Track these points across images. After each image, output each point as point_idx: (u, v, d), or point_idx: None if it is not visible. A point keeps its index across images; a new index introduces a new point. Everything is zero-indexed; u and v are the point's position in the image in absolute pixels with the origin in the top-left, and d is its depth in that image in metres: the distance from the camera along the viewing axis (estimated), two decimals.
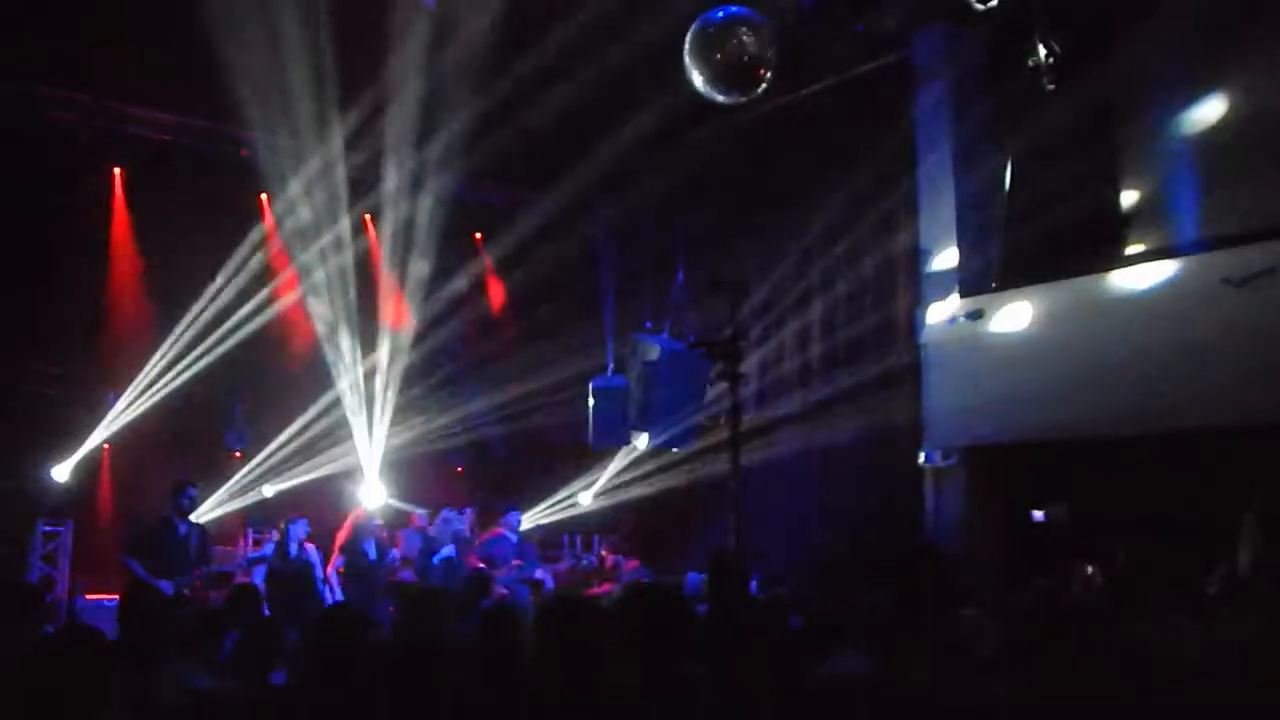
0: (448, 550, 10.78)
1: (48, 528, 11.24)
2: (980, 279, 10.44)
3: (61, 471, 11.57)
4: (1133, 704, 3.12)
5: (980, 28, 10.00)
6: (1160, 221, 9.27)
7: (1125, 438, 8.79)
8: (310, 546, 10.34)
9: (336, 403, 13.00)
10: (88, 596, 10.72)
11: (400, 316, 13.41)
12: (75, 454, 11.71)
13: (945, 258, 10.62)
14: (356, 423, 12.96)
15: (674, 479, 12.50)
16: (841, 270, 11.60)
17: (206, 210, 11.99)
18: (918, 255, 10.81)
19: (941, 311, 10.49)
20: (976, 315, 10.18)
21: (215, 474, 12.40)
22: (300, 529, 10.29)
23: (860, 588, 4.43)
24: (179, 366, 12.10)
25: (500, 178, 13.04)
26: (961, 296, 10.40)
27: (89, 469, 11.98)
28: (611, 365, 12.46)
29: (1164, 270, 8.92)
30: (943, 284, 10.61)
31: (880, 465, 10.89)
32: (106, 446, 12.13)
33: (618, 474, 13.27)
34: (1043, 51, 8.78)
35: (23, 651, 3.19)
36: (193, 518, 9.48)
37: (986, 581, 8.87)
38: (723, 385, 8.82)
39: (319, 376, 13.07)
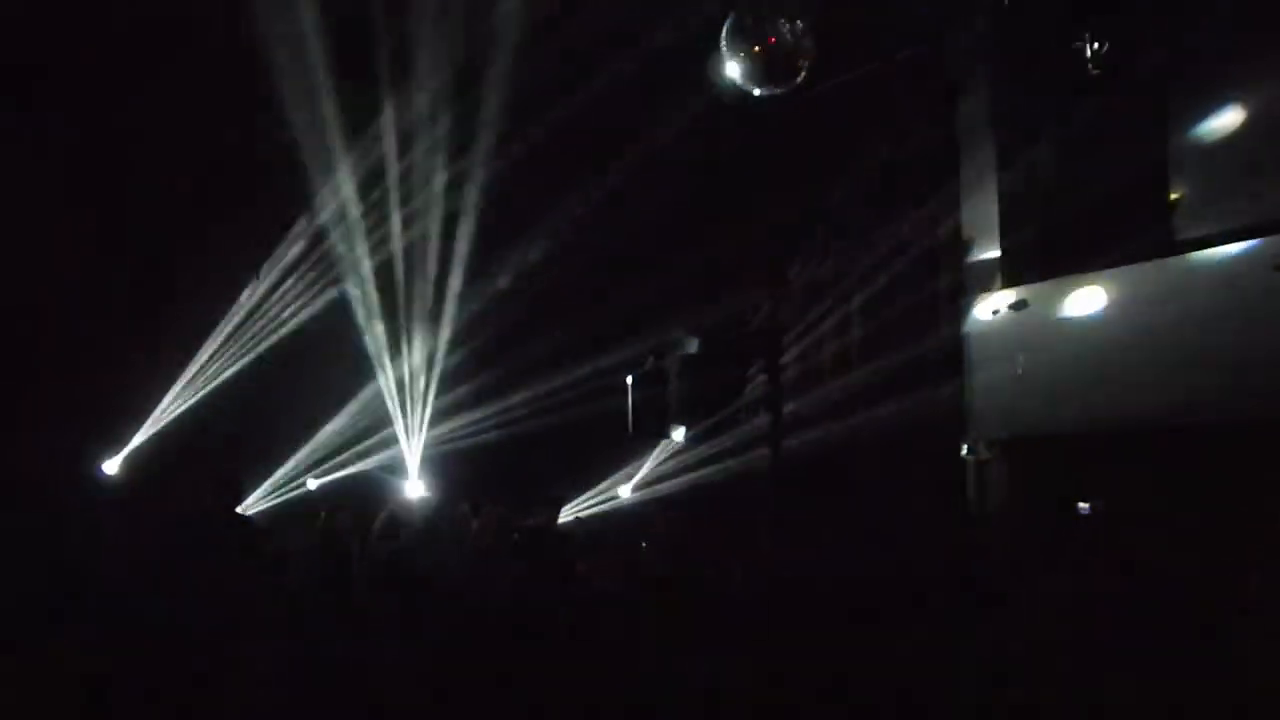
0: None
1: None
2: (1024, 267, 10.42)
3: (112, 465, 11.75)
4: None
5: (1026, 13, 9.93)
6: (1210, 208, 9.26)
7: (1174, 427, 8.76)
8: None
9: (379, 395, 13.15)
10: None
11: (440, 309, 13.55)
12: (126, 447, 11.87)
13: (988, 246, 10.63)
14: (398, 416, 13.10)
15: (712, 471, 12.44)
16: (882, 259, 11.55)
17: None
18: (960, 243, 10.83)
19: (984, 301, 10.43)
20: (1020, 305, 10.15)
21: (261, 467, 12.56)
22: (342, 523, 10.03)
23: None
24: (217, 367, 12.37)
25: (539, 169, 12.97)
26: (1005, 286, 10.41)
27: (139, 462, 12.08)
28: (651, 357, 12.04)
29: (1214, 257, 8.82)
30: (986, 273, 10.59)
31: (921, 457, 10.90)
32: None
33: (656, 466, 13.28)
34: (1089, 37, 8.65)
35: None
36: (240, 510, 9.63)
37: (1029, 577, 8.76)
38: (761, 377, 8.96)
39: (360, 373, 13.22)
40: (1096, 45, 8.68)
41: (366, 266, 12.92)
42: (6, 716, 5.51)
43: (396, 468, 12.89)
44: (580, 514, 12.82)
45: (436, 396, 13.44)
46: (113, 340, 11.33)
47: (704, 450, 12.23)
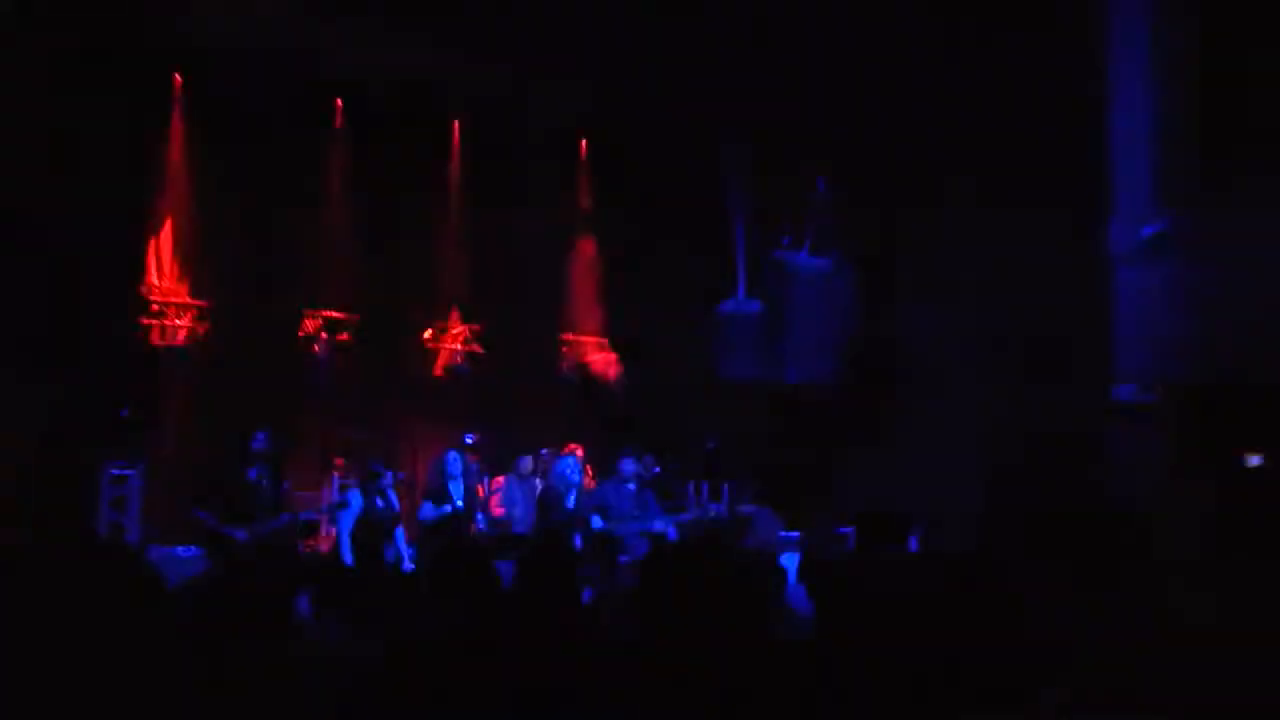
0: (569, 504, 10.97)
1: (116, 471, 11.88)
2: (1182, 188, 10.34)
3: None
4: None
5: None
6: None
7: None
8: (396, 496, 10.93)
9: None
10: (161, 546, 11.15)
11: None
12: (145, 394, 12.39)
13: (1140, 162, 10.57)
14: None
15: (816, 417, 12.45)
16: (1016, 176, 11.49)
17: None
18: (1107, 159, 10.73)
19: (1136, 226, 10.46)
20: (1177, 230, 10.18)
21: (296, 410, 13.17)
22: (387, 479, 10.84)
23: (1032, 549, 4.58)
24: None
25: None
26: (1159, 209, 10.38)
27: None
28: (743, 287, 12.59)
29: None
30: (1138, 193, 10.58)
31: (1060, 403, 10.93)
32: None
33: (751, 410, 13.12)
34: None
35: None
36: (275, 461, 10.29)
37: (1190, 544, 8.79)
38: (873, 308, 9.00)
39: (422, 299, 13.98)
40: None
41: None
42: None
43: None
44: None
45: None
46: None
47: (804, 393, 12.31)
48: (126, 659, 2.39)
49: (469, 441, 12.00)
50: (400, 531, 10.81)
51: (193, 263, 13.04)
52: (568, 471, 10.97)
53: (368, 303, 13.94)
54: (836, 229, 11.98)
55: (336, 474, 12.95)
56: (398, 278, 14.13)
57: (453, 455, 11.28)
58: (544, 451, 12.03)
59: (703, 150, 13.20)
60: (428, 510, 11.00)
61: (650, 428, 13.46)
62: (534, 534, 10.97)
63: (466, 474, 11.30)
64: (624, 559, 8.26)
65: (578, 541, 9.94)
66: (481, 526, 11.39)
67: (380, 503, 10.76)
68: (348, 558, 10.24)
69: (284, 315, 13.54)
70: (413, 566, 10.41)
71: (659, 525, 10.86)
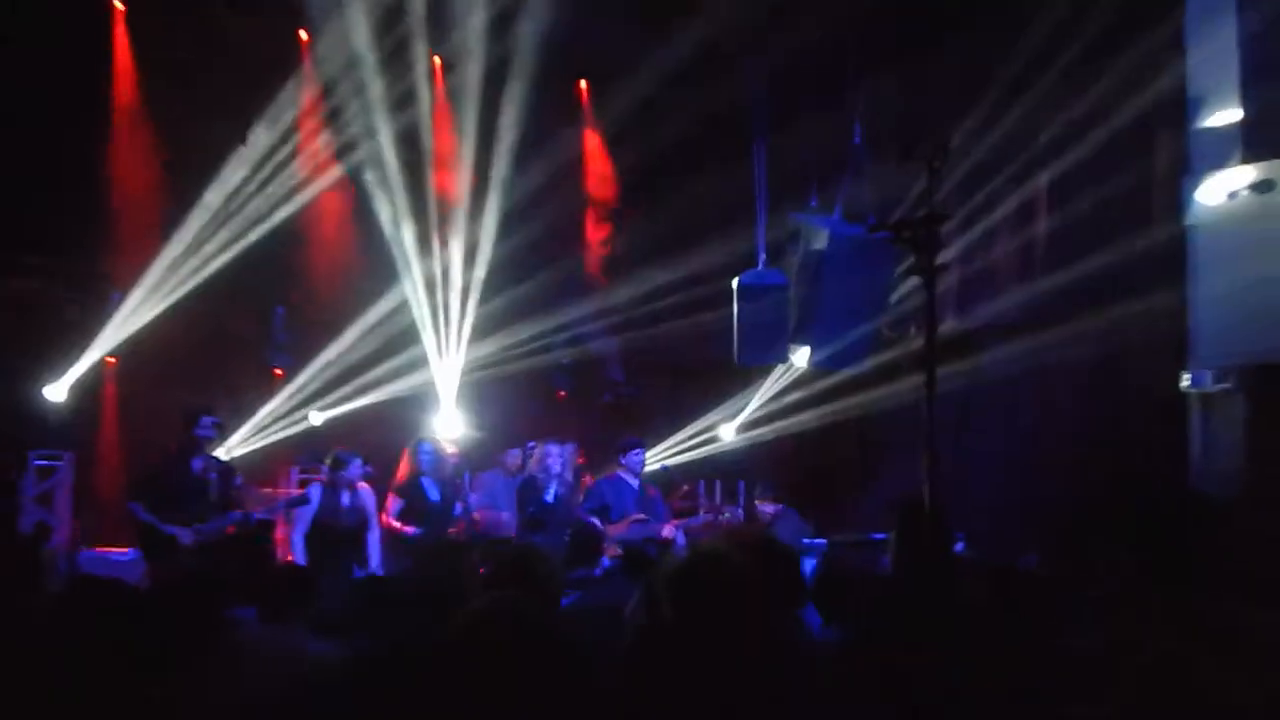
0: (547, 498, 10.84)
1: (42, 462, 11.60)
2: (1272, 138, 10.05)
3: (58, 391, 11.82)
4: None
5: None
6: None
7: None
8: (366, 491, 10.46)
9: (403, 307, 13.27)
10: (94, 549, 11.04)
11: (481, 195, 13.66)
12: (74, 369, 11.92)
13: (1223, 109, 10.30)
14: (427, 333, 13.19)
15: (847, 407, 12.48)
16: (1079, 128, 11.29)
17: (229, 54, 12.21)
18: (1185, 106, 10.53)
19: (1217, 183, 10.13)
20: (1266, 187, 9.89)
21: (251, 397, 12.76)
22: (354, 470, 10.35)
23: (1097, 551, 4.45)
24: (201, 257, 12.38)
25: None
26: (1245, 162, 10.06)
27: (91, 388, 12.25)
28: (764, 256, 12.28)
29: None
30: (1219, 145, 10.29)
31: (1126, 389, 10.85)
32: (112, 360, 12.38)
33: (770, 400, 13.28)
34: None
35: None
36: (222, 452, 9.98)
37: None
38: (913, 282, 8.94)
39: (382, 274, 13.34)
40: None
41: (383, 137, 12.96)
42: None
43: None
44: (667, 461, 12.93)
45: (480, 303, 13.44)
46: None
47: (833, 380, 12.28)
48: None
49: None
50: (373, 535, 10.43)
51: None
52: (549, 460, 10.94)
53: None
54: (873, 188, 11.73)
55: (296, 466, 12.83)
56: None
57: (426, 447, 10.97)
58: (530, 444, 11.74)
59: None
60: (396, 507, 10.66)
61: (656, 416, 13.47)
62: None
63: (442, 468, 11.03)
64: (607, 562, 7.85)
65: (558, 539, 9.62)
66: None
67: (346, 499, 10.32)
68: (301, 563, 9.84)
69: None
70: (381, 574, 9.93)
71: (666, 531, 10.73)
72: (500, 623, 3.34)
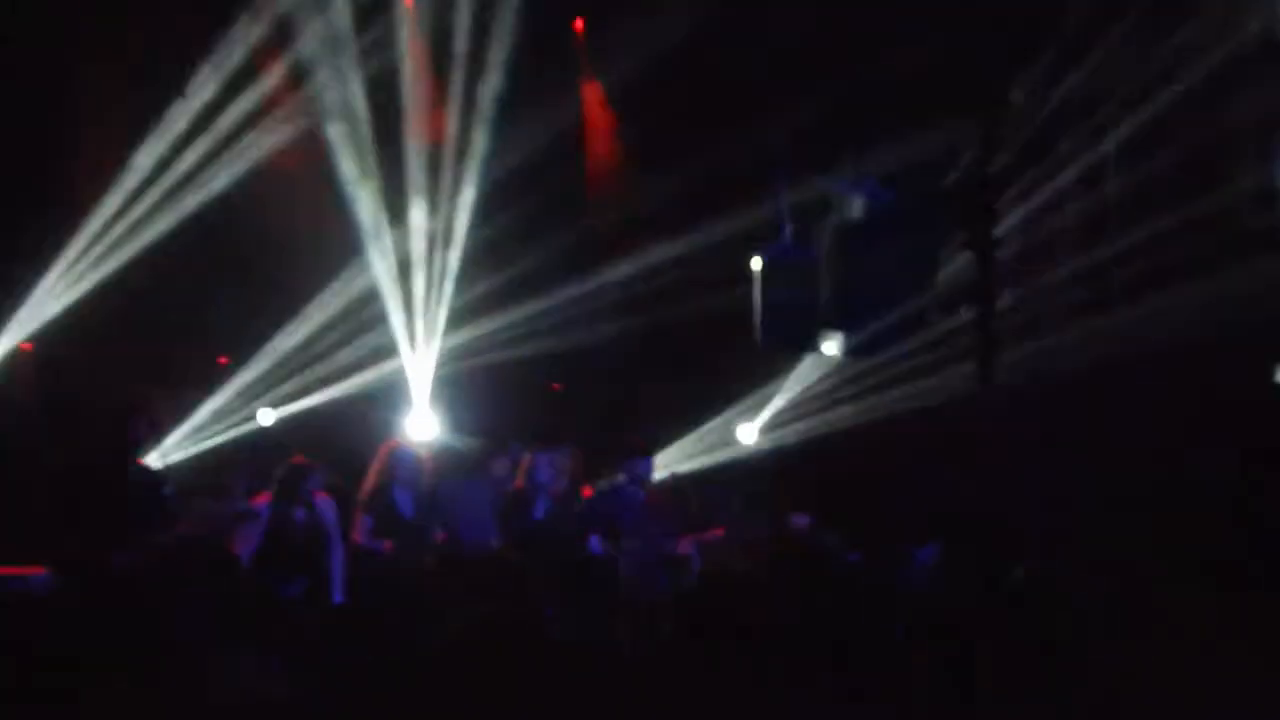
0: (536, 515, 10.58)
1: None
2: None
3: None
4: None
5: None
6: None
7: None
8: (327, 503, 9.99)
9: (370, 285, 13.15)
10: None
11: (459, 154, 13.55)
12: None
13: None
14: (397, 317, 13.09)
15: (888, 401, 12.57)
16: (1167, 70, 11.11)
17: None
18: None
19: None
20: None
21: (188, 391, 12.57)
22: (314, 482, 9.96)
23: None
24: (130, 228, 12.25)
25: None
26: None
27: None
28: (789, 228, 11.43)
29: None
30: None
31: (1228, 384, 10.75)
32: (26, 347, 12.28)
33: (800, 394, 13.20)
34: None
35: None
36: (155, 457, 9.86)
37: None
38: (963, 257, 8.71)
39: (343, 249, 13.16)
40: None
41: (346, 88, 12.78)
42: None
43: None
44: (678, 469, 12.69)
45: (460, 283, 13.44)
46: None
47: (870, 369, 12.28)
48: None
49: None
50: (337, 553, 9.94)
51: None
52: (537, 471, 10.63)
53: None
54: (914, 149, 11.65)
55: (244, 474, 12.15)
56: None
57: (404, 453, 10.59)
58: (515, 446, 11.42)
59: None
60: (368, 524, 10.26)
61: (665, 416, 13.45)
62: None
63: (416, 477, 10.53)
64: None
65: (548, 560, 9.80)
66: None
67: (301, 514, 9.82)
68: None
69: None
70: (341, 599, 9.78)
71: (682, 547, 10.75)
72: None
